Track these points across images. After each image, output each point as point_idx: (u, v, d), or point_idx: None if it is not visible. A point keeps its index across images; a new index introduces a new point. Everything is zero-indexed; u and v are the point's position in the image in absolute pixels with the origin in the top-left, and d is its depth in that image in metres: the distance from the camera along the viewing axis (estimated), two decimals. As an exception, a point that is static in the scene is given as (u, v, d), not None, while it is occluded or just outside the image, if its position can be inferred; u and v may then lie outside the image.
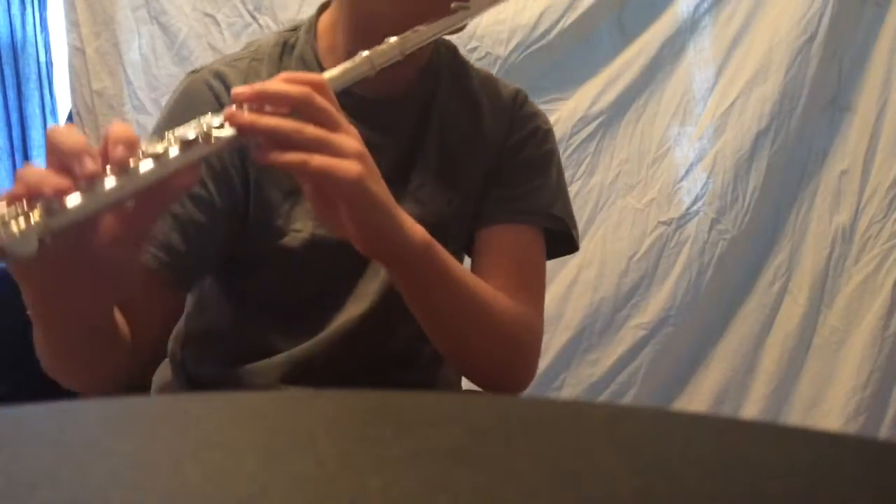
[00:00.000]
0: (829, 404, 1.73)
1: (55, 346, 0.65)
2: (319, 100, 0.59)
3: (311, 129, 0.58)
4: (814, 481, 0.28)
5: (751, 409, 1.75)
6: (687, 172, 1.73)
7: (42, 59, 2.86)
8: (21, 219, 0.49)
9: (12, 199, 0.50)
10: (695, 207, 1.72)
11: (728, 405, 1.76)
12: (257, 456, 0.28)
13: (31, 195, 0.50)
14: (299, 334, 0.82)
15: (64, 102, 2.77)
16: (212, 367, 0.85)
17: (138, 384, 0.97)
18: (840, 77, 1.70)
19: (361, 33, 0.75)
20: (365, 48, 0.67)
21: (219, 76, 0.78)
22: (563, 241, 0.89)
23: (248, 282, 0.82)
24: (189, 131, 0.55)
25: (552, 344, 1.73)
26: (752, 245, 1.75)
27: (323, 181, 0.60)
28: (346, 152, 0.59)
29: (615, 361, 1.75)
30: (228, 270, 0.83)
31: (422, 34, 0.69)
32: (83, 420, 0.32)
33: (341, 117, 0.60)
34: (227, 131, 0.57)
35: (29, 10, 2.84)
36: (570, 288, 1.73)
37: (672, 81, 1.72)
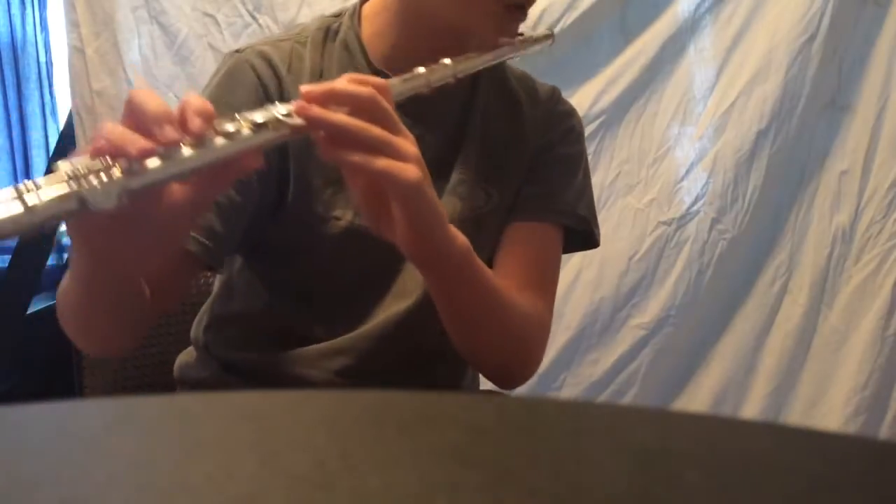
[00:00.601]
0: (829, 404, 1.73)
1: (87, 302, 0.65)
2: (384, 102, 0.61)
3: (377, 130, 0.60)
4: (814, 481, 0.28)
5: (751, 409, 1.75)
6: (687, 172, 1.73)
7: (42, 59, 2.85)
8: (102, 174, 0.49)
9: (96, 153, 0.51)
10: (695, 207, 1.72)
11: (728, 405, 1.76)
12: (257, 456, 0.28)
13: (115, 153, 0.50)
14: (339, 326, 0.83)
15: (64, 102, 2.76)
16: (242, 352, 0.86)
17: (163, 380, 0.97)
18: (840, 77, 1.70)
19: (413, 27, 0.77)
20: (415, 40, 0.74)
21: (262, 55, 0.79)
22: (582, 236, 0.91)
23: (286, 270, 0.83)
24: (259, 115, 0.57)
25: (552, 344, 1.73)
26: (752, 245, 1.75)
27: (384, 182, 0.61)
28: (407, 156, 0.61)
29: (615, 361, 1.75)
30: (265, 258, 0.84)
31: (474, 61, 0.74)
32: (83, 420, 0.32)
33: (400, 122, 0.62)
34: (296, 121, 0.58)
35: (29, 10, 2.83)
36: (570, 288, 1.73)
37: (672, 81, 1.72)
